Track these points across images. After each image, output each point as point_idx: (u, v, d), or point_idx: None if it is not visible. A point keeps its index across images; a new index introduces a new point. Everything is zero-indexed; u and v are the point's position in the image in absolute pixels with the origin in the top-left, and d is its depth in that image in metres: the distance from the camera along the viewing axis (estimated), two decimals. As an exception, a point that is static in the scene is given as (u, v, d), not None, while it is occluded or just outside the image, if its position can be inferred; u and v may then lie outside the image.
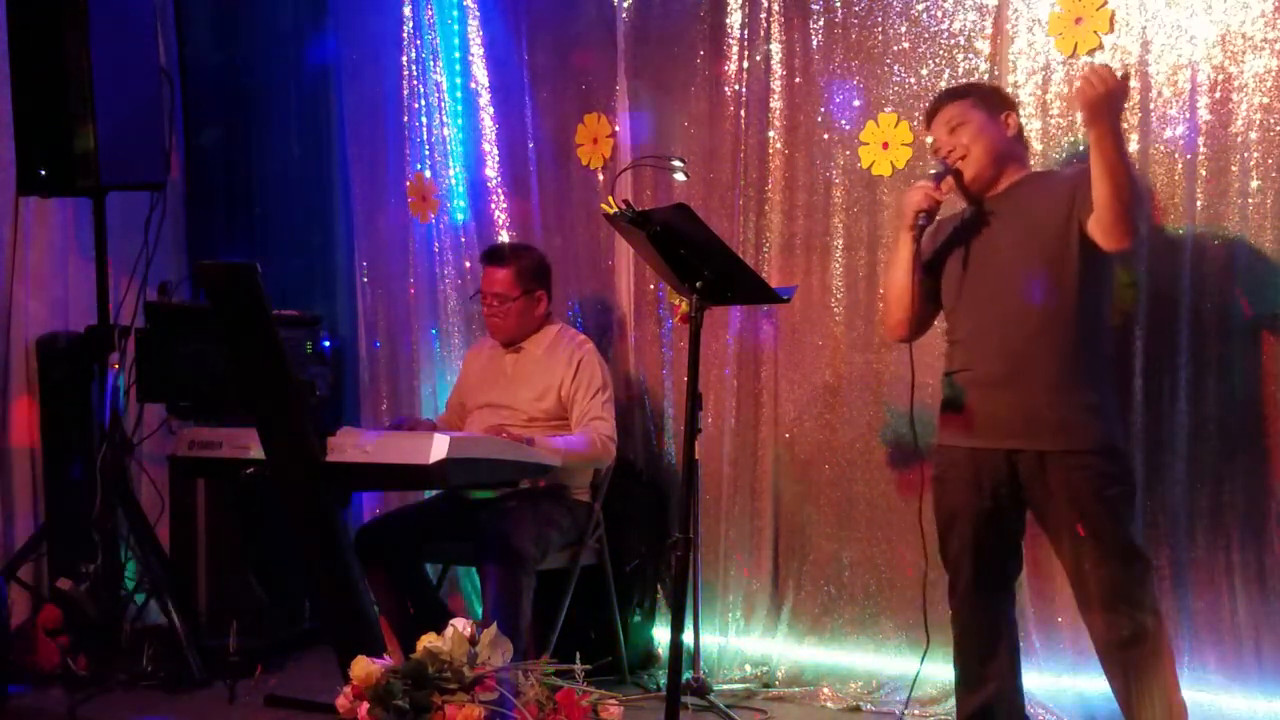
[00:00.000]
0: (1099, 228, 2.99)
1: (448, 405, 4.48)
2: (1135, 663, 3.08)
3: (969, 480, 3.20)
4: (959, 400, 3.22)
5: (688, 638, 3.83)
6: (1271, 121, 3.41)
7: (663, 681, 3.94)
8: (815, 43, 4.06)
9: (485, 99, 4.72)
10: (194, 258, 5.22)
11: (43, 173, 4.22)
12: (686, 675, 3.86)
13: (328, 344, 4.81)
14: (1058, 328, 3.09)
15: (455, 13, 4.75)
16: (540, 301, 4.21)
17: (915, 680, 3.52)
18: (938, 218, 3.27)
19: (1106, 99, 2.87)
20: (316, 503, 3.48)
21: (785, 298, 3.49)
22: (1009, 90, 3.71)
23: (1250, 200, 3.43)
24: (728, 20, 4.20)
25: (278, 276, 5.13)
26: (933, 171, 3.28)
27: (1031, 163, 3.49)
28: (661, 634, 4.30)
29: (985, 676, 3.25)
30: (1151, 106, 3.54)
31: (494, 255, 4.22)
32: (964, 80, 3.80)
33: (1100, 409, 3.11)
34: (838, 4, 4.00)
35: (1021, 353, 3.10)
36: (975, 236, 3.23)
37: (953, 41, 3.84)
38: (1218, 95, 3.47)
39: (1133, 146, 3.54)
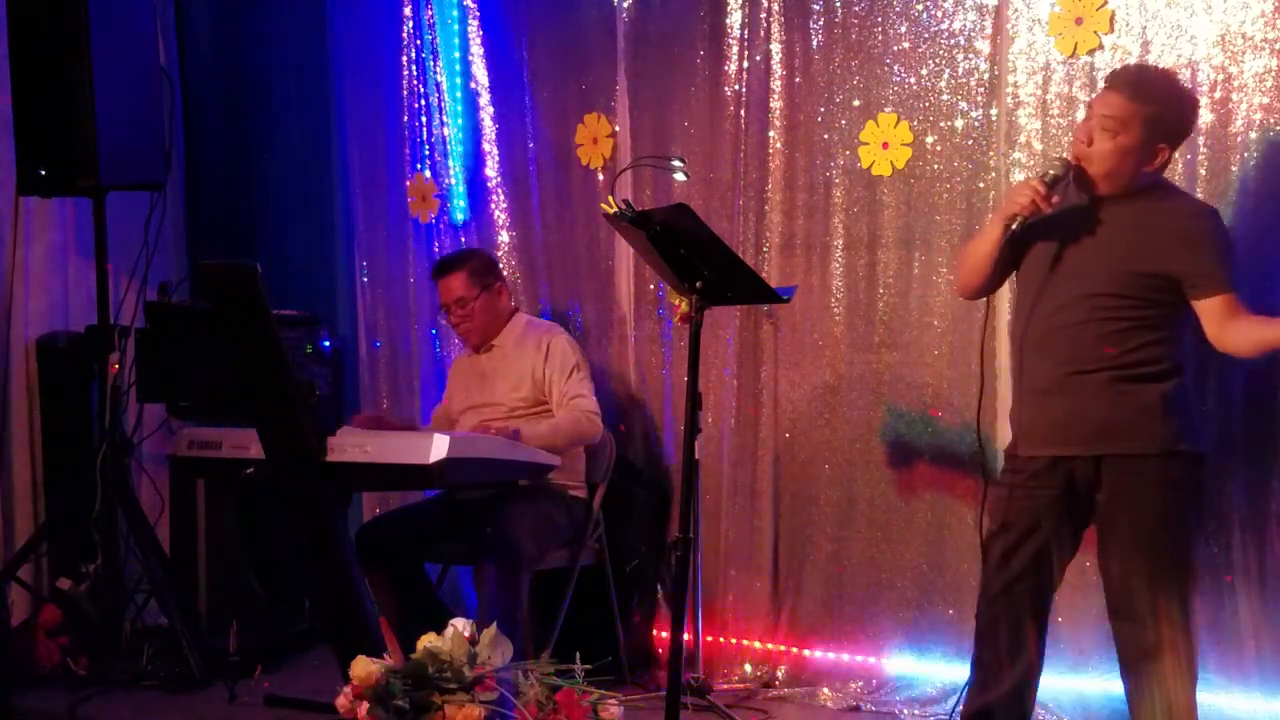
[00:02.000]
0: (1222, 347, 3.01)
1: (433, 417, 4.48)
2: (1150, 675, 3.00)
3: (1030, 489, 3.08)
4: (1021, 407, 3.13)
5: (688, 638, 3.83)
6: (1271, 121, 3.41)
7: (663, 681, 3.94)
8: (815, 43, 4.06)
9: (485, 99, 4.73)
10: (194, 258, 5.22)
11: (43, 173, 4.23)
12: (686, 675, 3.86)
13: (328, 344, 4.81)
14: (1120, 337, 2.98)
15: (455, 13, 4.75)
16: (501, 293, 4.25)
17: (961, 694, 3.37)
18: None
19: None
20: (316, 503, 3.48)
21: (785, 298, 3.49)
22: (1009, 89, 3.71)
23: (1250, 200, 3.43)
24: (728, 20, 4.20)
25: (278, 276, 5.14)
26: (1051, 173, 3.04)
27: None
28: (661, 634, 4.30)
29: (997, 681, 3.18)
30: (1152, 106, 3.54)
31: (442, 267, 4.27)
32: (963, 80, 3.80)
33: (1163, 410, 2.98)
34: (838, 4, 4.00)
35: (1078, 359, 3.00)
36: (1072, 239, 3.06)
37: (953, 41, 3.84)
38: (1218, 95, 3.46)
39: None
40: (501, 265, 4.62)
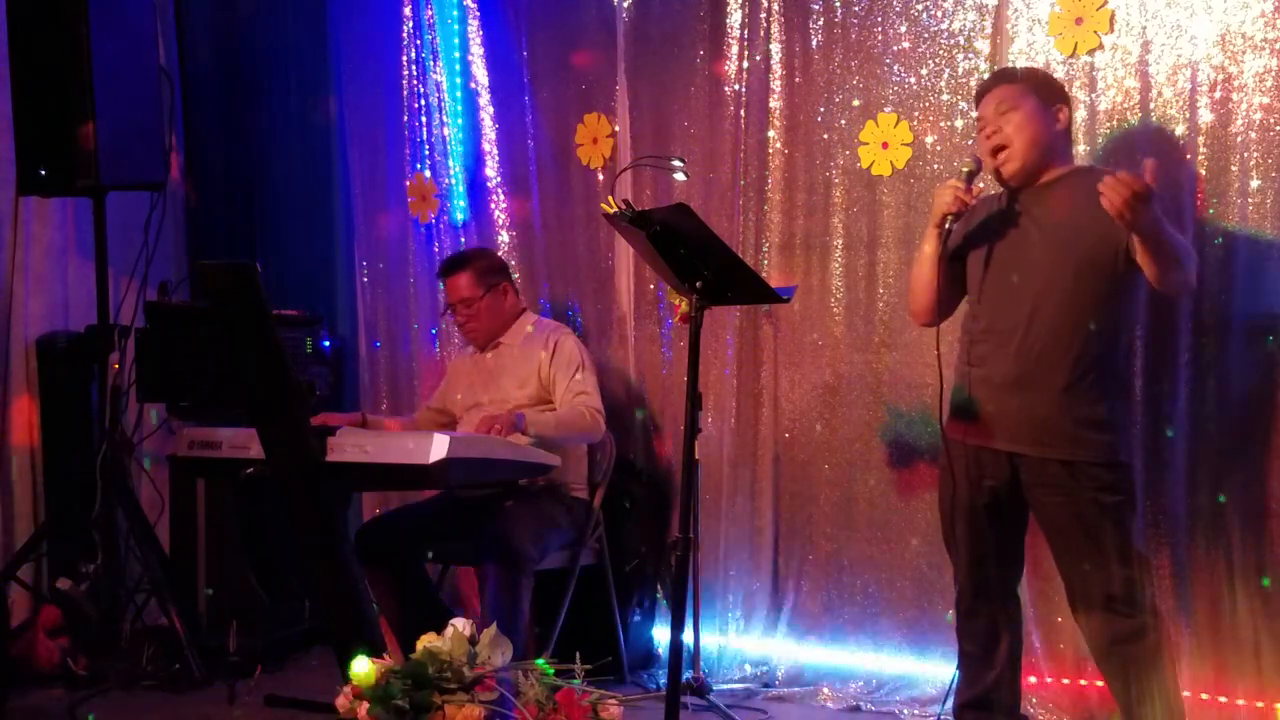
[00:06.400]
0: (1155, 285, 3.01)
1: (425, 409, 4.47)
2: (1133, 659, 3.08)
3: (971, 476, 3.18)
4: (968, 397, 3.20)
5: (688, 638, 3.83)
6: (1271, 121, 3.41)
7: (663, 681, 3.94)
8: (815, 43, 4.06)
9: (485, 99, 4.73)
10: (194, 258, 5.22)
11: (43, 173, 4.22)
12: (686, 675, 3.86)
13: (328, 344, 4.81)
14: (1075, 337, 3.05)
15: (455, 13, 4.76)
16: (506, 293, 4.23)
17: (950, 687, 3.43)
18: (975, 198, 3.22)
19: (1133, 204, 2.79)
20: (316, 503, 3.48)
21: (785, 298, 3.49)
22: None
23: (1250, 200, 3.43)
24: (728, 20, 4.20)
25: (278, 276, 5.15)
26: (965, 170, 3.17)
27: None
28: (661, 634, 4.30)
29: (985, 668, 3.25)
30: (1151, 106, 3.54)
31: (448, 266, 4.27)
32: (963, 80, 3.81)
33: (1107, 423, 3.07)
34: (838, 4, 4.01)
35: (1035, 357, 3.08)
36: (1004, 232, 3.16)
37: (953, 41, 3.84)
38: (1218, 95, 3.47)
39: (1132, 147, 3.55)
40: (501, 265, 4.63)
